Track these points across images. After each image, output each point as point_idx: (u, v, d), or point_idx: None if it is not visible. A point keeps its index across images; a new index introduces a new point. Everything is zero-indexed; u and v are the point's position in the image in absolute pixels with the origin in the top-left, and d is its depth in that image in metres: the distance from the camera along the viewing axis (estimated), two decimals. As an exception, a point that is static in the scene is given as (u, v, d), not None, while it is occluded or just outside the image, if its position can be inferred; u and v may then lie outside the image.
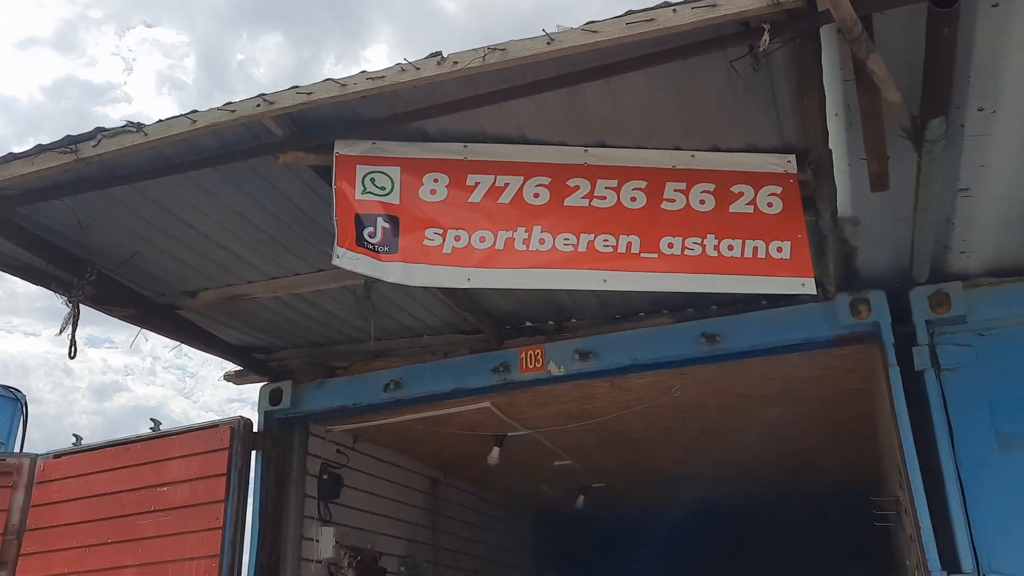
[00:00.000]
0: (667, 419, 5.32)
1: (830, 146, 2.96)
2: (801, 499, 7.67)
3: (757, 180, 3.01)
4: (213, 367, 34.43)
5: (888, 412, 4.01)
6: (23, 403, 7.75)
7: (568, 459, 6.20)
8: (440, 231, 2.90)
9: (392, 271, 2.90)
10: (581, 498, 7.13)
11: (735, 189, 3.00)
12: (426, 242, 2.88)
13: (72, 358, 3.53)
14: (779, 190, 3.01)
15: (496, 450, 5.56)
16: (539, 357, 4.43)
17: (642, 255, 2.89)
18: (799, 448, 5.95)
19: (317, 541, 4.87)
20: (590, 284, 2.90)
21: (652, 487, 7.20)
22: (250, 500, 4.57)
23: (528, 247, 2.88)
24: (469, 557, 6.70)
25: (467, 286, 2.91)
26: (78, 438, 5.10)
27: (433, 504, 6.32)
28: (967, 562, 3.38)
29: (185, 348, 4.52)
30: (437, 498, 6.38)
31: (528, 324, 4.60)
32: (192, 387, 38.69)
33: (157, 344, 34.44)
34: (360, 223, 2.89)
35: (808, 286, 2.92)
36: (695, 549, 9.88)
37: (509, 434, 5.51)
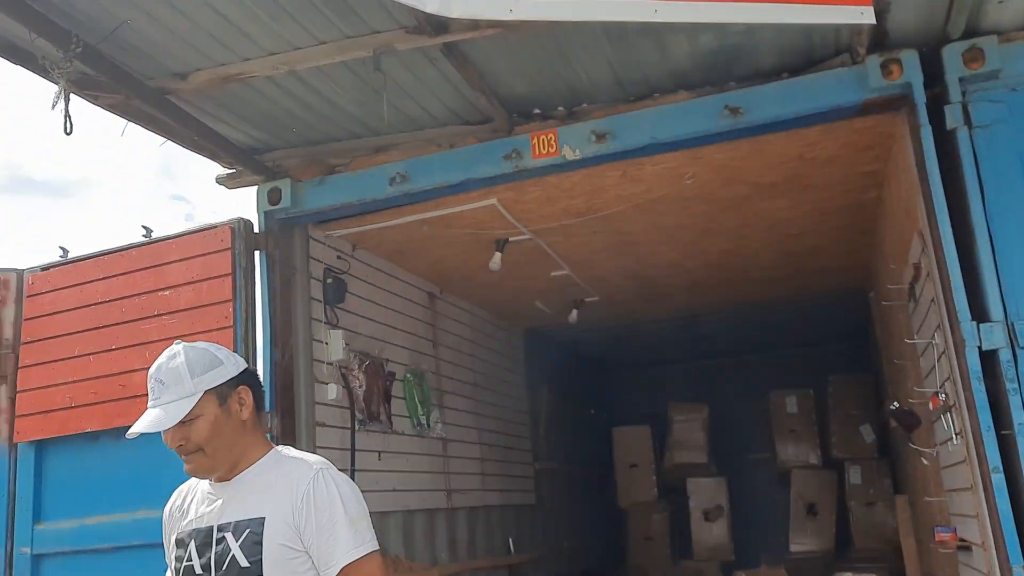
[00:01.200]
0: (672, 216, 5.26)
1: None
2: (791, 306, 7.81)
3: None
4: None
5: (908, 182, 3.97)
6: None
7: (566, 268, 6.16)
8: (478, -44, 2.66)
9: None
10: (574, 312, 7.15)
11: (787, -90, 2.79)
12: (464, -32, 2.65)
13: (68, 134, 3.29)
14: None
15: (498, 255, 5.47)
16: (552, 141, 4.27)
17: (694, -18, 2.70)
18: (798, 246, 5.96)
19: (326, 343, 4.80)
20: (640, 15, 2.70)
21: (645, 298, 7.23)
22: (257, 302, 4.44)
23: (573, -27, 2.67)
24: (467, 371, 6.74)
25: (510, 18, 2.69)
26: (65, 250, 4.87)
27: (432, 318, 6.28)
28: (996, 311, 3.42)
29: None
30: (435, 312, 6.34)
31: (537, 111, 4.42)
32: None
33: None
34: (391, -55, 2.63)
35: (867, 15, 2.77)
36: (682, 363, 10.17)
37: (511, 238, 5.41)
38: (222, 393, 2.34)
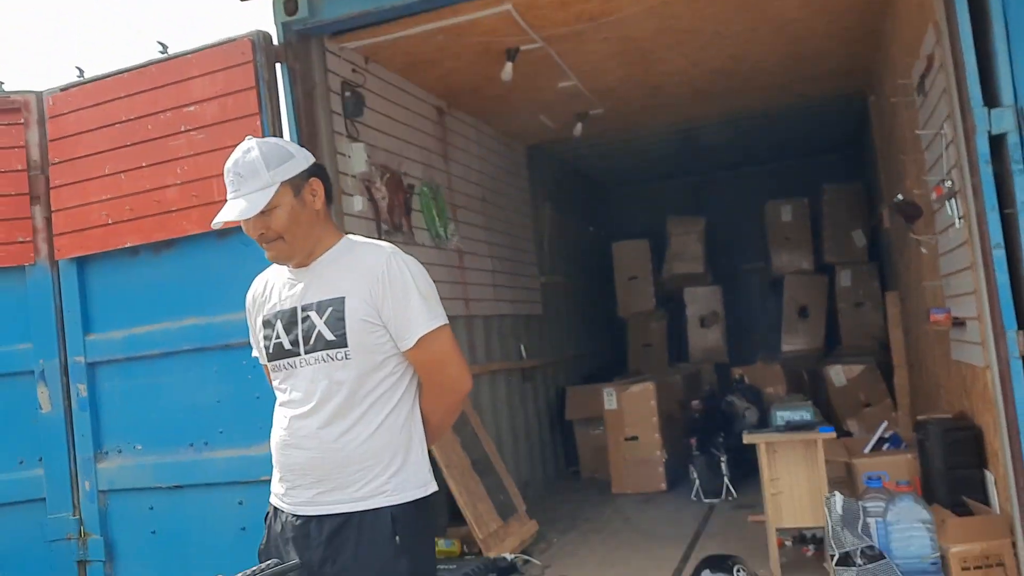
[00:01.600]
0: (683, 19, 5.26)
1: None
2: (789, 115, 7.90)
3: None
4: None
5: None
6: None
7: (573, 78, 6.20)
8: None
9: None
10: (579, 126, 7.22)
11: None
12: None
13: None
14: None
15: (509, 65, 5.49)
16: (571, -60, 4.23)
17: None
18: (803, 49, 5.98)
19: (349, 156, 4.92)
20: None
21: (649, 109, 7.29)
22: (282, 115, 4.50)
23: None
24: (475, 186, 6.89)
25: None
26: (80, 71, 4.87)
27: (442, 133, 6.37)
28: (1007, 96, 3.56)
29: None
30: (444, 128, 6.42)
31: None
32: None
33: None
34: None
35: None
36: (679, 178, 10.35)
37: (522, 47, 5.42)
38: (296, 184, 2.49)
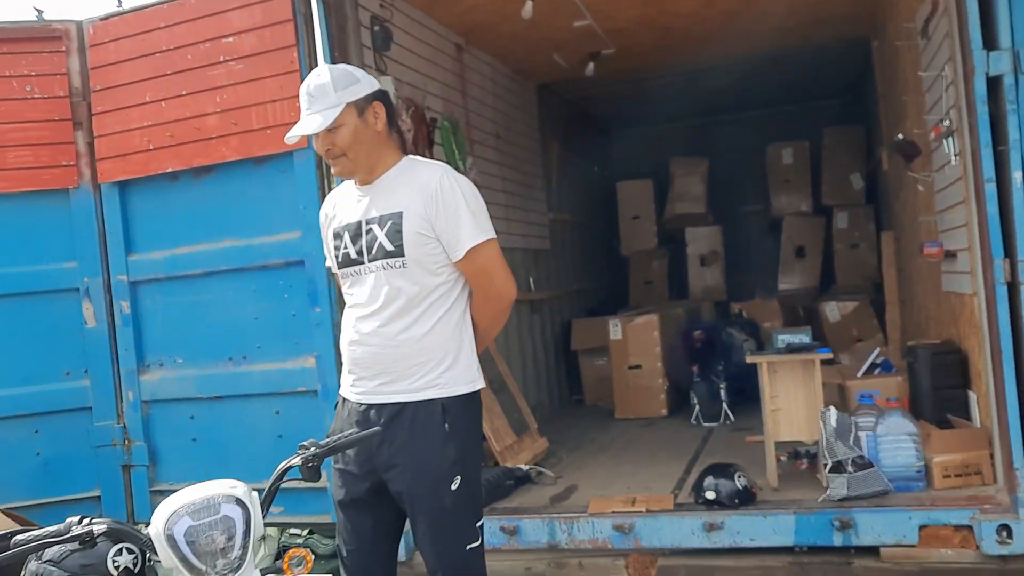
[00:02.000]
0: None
1: None
2: (794, 58, 8.10)
3: None
4: None
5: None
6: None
7: (589, 18, 6.38)
8: None
9: None
10: (591, 65, 7.41)
11: None
12: None
13: None
14: None
15: (529, 3, 5.70)
16: None
17: None
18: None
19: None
20: None
21: (659, 50, 7.48)
22: (318, 47, 4.70)
23: None
24: (490, 123, 7.12)
25: None
26: (120, 1, 5.04)
27: (460, 70, 6.57)
28: (1005, 40, 3.81)
29: None
30: (463, 64, 6.62)
31: None
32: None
33: None
34: None
35: None
36: (683, 120, 10.54)
37: (542, -14, 5.62)
38: (360, 106, 2.76)
